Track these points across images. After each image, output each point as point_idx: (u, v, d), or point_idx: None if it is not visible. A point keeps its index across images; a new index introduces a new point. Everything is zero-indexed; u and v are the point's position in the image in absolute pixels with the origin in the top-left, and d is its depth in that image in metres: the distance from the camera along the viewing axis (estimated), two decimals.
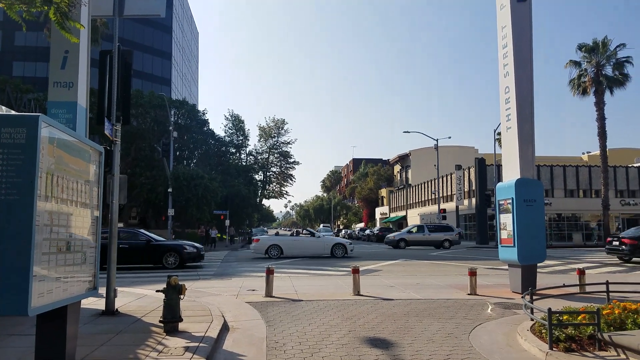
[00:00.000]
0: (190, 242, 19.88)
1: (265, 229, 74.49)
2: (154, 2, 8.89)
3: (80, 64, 6.69)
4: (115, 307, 7.92)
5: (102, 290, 7.39)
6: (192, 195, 36.11)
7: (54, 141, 4.11)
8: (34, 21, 5.84)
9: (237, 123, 63.76)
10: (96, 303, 8.28)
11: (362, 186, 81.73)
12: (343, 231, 72.02)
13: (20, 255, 3.62)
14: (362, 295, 10.00)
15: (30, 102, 25.60)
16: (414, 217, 58.24)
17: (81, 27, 5.93)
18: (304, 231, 25.51)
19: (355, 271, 10.43)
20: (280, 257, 22.24)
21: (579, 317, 5.83)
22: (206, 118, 51.38)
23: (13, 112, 5.73)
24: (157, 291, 7.08)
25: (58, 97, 6.67)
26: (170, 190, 34.20)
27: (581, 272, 10.60)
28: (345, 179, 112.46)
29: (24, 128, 3.74)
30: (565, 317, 5.94)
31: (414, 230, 33.47)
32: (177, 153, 44.90)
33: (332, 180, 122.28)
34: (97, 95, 7.95)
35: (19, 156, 3.71)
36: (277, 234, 27.64)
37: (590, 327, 5.59)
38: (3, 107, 6.23)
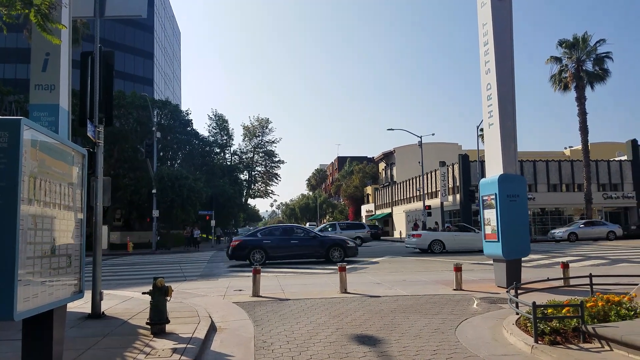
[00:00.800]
0: (349, 238, 21.43)
1: (251, 228, 74.30)
2: (135, 3, 8.81)
3: (61, 66, 6.60)
4: (102, 310, 7.85)
5: (88, 294, 7.31)
6: (176, 196, 35.81)
7: (36, 144, 4.07)
8: (13, 23, 5.74)
9: (221, 123, 63.37)
10: (82, 306, 8.19)
11: (347, 184, 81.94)
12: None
13: (4, 260, 3.58)
14: (349, 293, 10.05)
15: (11, 105, 25.15)
16: (399, 214, 58.59)
17: (63, 27, 5.85)
18: (453, 227, 26.09)
19: (342, 269, 10.47)
20: (442, 252, 22.76)
21: (564, 310, 5.94)
22: (190, 118, 50.99)
23: None
24: (143, 293, 7.04)
25: (40, 99, 6.57)
26: (154, 191, 33.88)
27: (565, 266, 10.78)
28: (331, 177, 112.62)
29: (6, 132, 3.69)
30: (549, 311, 6.04)
31: (329, 228, 34.49)
32: (161, 154, 44.47)
33: (318, 179, 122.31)
34: (79, 97, 7.86)
35: (2, 160, 3.66)
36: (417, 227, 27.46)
37: (575, 319, 5.70)
38: None
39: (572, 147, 65.33)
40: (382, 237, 49.41)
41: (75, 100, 9.59)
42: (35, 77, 6.66)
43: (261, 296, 9.92)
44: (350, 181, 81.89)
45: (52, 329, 4.43)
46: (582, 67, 37.49)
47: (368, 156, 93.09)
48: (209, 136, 60.69)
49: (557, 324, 5.77)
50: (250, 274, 10.43)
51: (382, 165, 76.58)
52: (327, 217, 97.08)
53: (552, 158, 47.91)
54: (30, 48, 6.98)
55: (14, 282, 3.57)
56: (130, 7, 8.88)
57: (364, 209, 77.44)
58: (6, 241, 3.59)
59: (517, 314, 6.59)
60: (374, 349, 5.76)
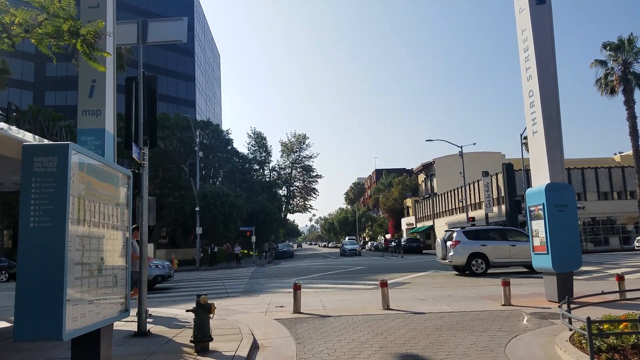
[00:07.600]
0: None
1: (291, 243, 74.56)
2: (175, 28, 9.11)
3: (107, 92, 6.88)
4: (147, 328, 8.00)
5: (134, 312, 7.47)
6: (219, 213, 36.52)
7: (83, 167, 4.22)
8: (62, 53, 6.06)
9: (259, 140, 64.54)
10: (129, 325, 8.38)
11: (386, 196, 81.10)
12: (369, 243, 71.43)
13: (53, 281, 3.70)
14: (391, 310, 9.85)
15: (61, 130, 26.51)
16: (441, 227, 57.33)
17: (107, 55, 6.11)
18: None
19: (384, 284, 10.28)
20: None
21: (621, 326, 5.59)
22: (230, 137, 52.17)
23: (45, 142, 5.92)
24: (187, 311, 7.14)
25: (87, 124, 6.86)
26: (197, 209, 34.69)
27: (620, 278, 10.21)
28: (369, 190, 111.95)
29: (55, 156, 3.86)
30: (605, 326, 5.71)
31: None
32: (203, 172, 45.56)
33: (356, 192, 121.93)
34: (124, 120, 8.17)
35: (51, 184, 3.81)
36: None
37: (634, 335, 5.35)
38: (36, 137, 6.44)
39: (622, 152, 62.43)
40: (424, 251, 48.30)
41: (121, 124, 9.97)
42: (83, 103, 6.96)
43: (302, 313, 9.86)
44: (389, 194, 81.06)
45: (99, 348, 4.54)
46: (629, 70, 35.96)
47: (406, 168, 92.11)
48: (248, 153, 61.96)
49: (615, 341, 5.43)
50: (291, 289, 10.41)
51: (421, 177, 75.50)
52: (367, 230, 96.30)
53: (601, 165, 45.87)
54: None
55: (63, 302, 3.68)
56: (170, 33, 9.19)
57: (404, 221, 76.34)
58: (55, 262, 3.72)
59: (571, 330, 6.26)
60: None
